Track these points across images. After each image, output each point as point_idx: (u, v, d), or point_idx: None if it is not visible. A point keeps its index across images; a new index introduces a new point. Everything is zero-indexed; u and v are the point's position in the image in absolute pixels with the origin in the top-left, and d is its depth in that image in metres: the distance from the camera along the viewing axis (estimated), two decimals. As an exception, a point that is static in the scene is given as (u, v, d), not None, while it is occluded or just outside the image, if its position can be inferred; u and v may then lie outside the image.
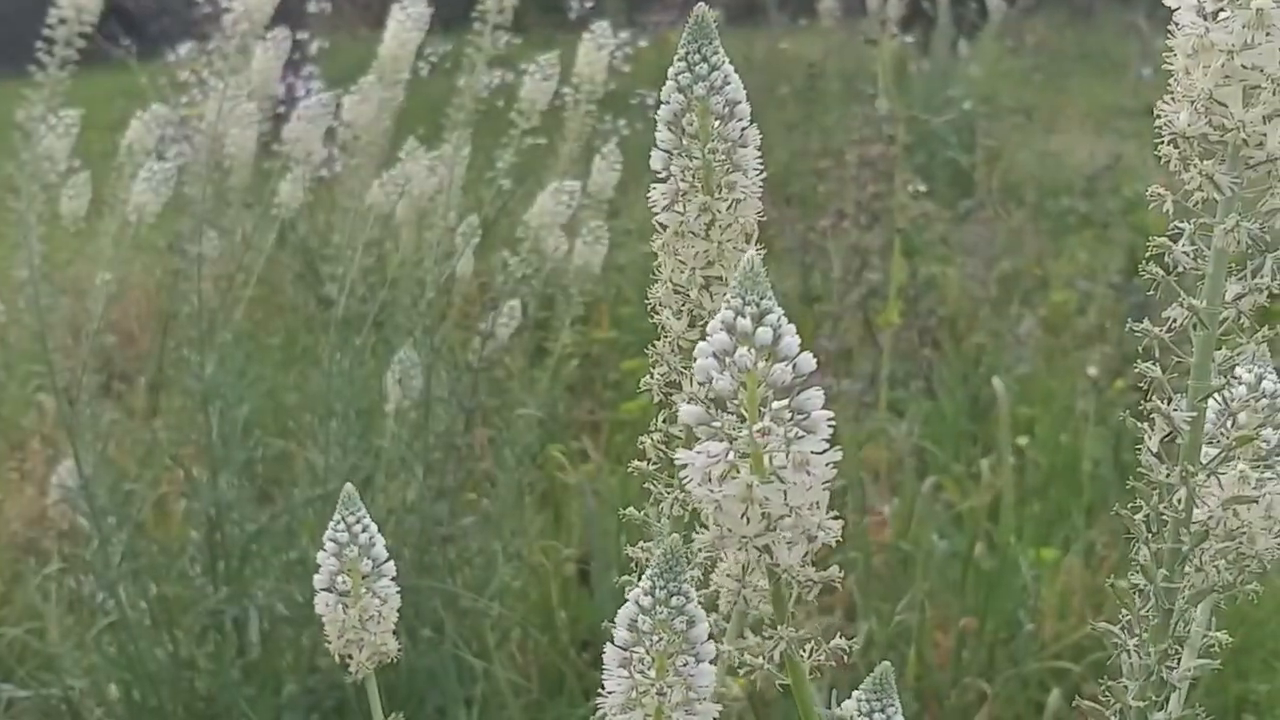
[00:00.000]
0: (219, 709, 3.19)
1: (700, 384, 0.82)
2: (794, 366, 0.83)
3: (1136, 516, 0.98)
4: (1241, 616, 3.57)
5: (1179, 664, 0.99)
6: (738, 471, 0.82)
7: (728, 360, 0.82)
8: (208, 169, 3.27)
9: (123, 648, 3.25)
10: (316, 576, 1.19)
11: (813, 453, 0.83)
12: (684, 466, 0.83)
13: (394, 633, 1.23)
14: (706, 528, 0.85)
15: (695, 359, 0.83)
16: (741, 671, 0.91)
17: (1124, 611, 1.01)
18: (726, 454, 0.82)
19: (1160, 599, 0.98)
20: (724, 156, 1.04)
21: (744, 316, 0.82)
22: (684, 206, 1.04)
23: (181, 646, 3.28)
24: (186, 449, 3.84)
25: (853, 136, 3.97)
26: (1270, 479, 1.04)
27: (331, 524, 1.20)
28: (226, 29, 3.41)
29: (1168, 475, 0.95)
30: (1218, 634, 1.06)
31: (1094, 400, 4.73)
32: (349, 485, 1.20)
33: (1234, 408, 1.00)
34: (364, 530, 1.21)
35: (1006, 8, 9.12)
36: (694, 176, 1.04)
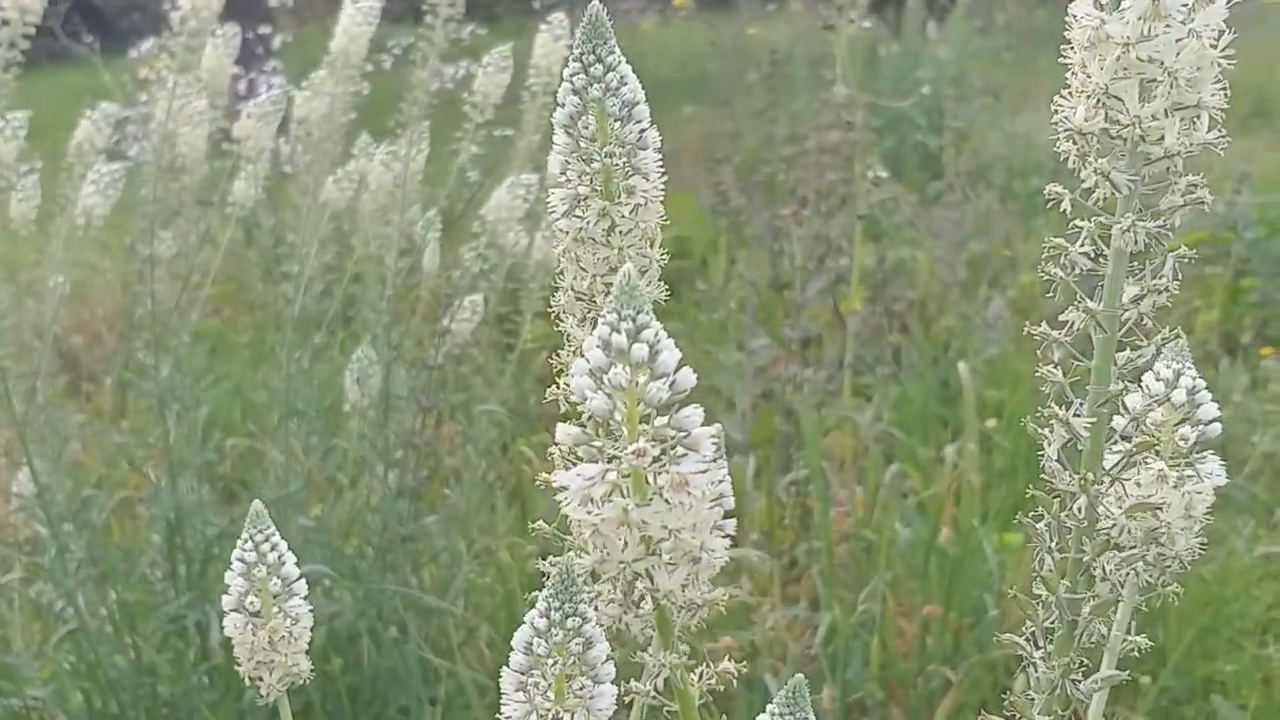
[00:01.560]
0: (181, 715, 3.16)
1: (576, 403, 0.79)
2: (672, 383, 0.80)
3: (1039, 525, 0.95)
4: (1209, 596, 3.57)
5: (1087, 676, 0.96)
6: (618, 494, 0.79)
7: (603, 378, 0.79)
8: (157, 169, 3.22)
9: (83, 655, 3.21)
10: (225, 597, 1.16)
11: (693, 473, 0.80)
12: (561, 489, 0.80)
13: (308, 652, 1.19)
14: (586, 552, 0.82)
15: (572, 377, 0.80)
16: (633, 695, 0.88)
17: (1028, 623, 0.98)
18: (604, 475, 0.79)
19: (1064, 610, 0.95)
20: (623, 160, 1.00)
21: (619, 332, 0.79)
22: (583, 212, 1.01)
23: (143, 652, 3.24)
24: (147, 452, 3.80)
25: (809, 124, 3.94)
26: (1190, 477, 1.01)
27: (240, 543, 1.17)
28: (175, 26, 3.37)
29: (1069, 483, 0.93)
30: (1137, 639, 1.03)
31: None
32: (256, 503, 1.17)
33: (1137, 411, 0.97)
34: (273, 549, 1.17)
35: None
36: (593, 181, 1.00)
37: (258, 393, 4.71)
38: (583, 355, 0.81)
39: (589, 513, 0.80)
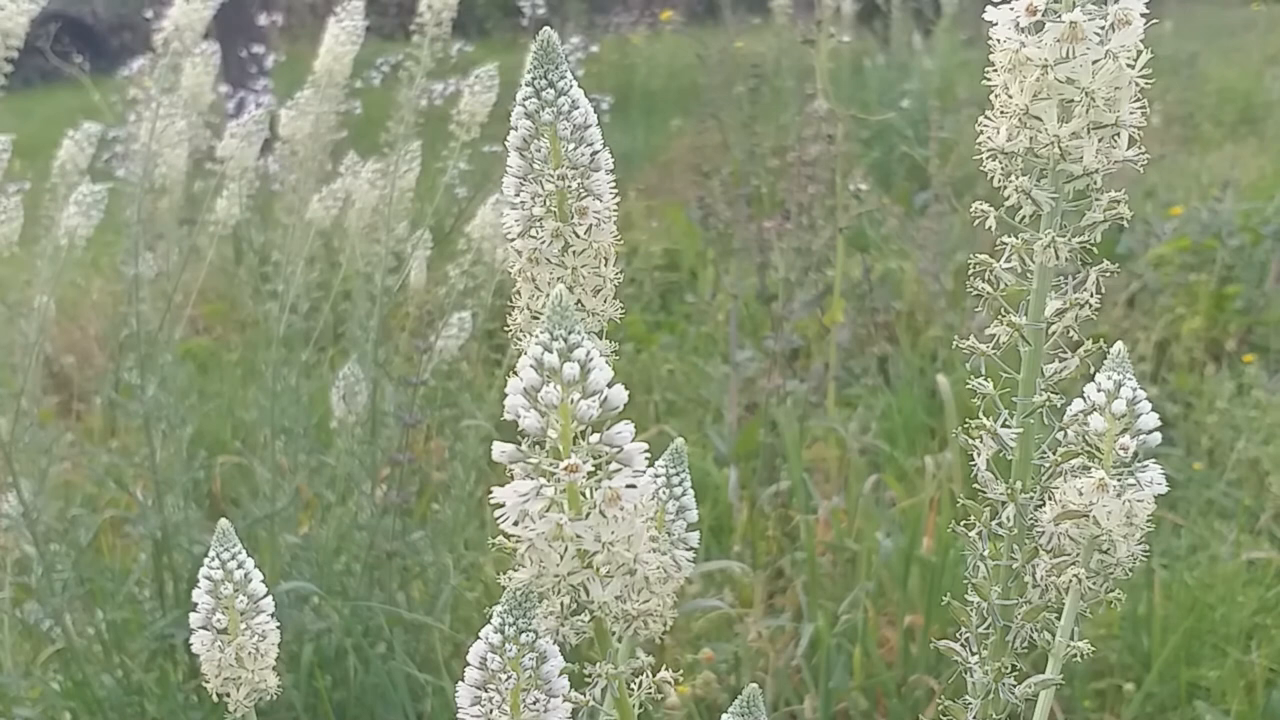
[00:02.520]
0: (169, 733, 3.17)
1: (511, 421, 0.81)
2: (603, 400, 0.82)
3: (971, 534, 0.97)
4: (1193, 602, 3.59)
5: (1021, 681, 0.98)
6: (555, 509, 0.81)
7: (536, 397, 0.81)
8: (140, 189, 3.24)
9: (71, 674, 3.22)
10: (192, 615, 1.18)
11: (625, 487, 0.82)
12: (498, 506, 0.82)
13: (275, 668, 1.21)
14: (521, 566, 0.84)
15: (507, 396, 0.83)
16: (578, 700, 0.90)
17: (962, 629, 1.00)
18: (538, 491, 0.81)
19: (996, 616, 0.97)
20: (576, 182, 1.03)
21: (551, 352, 0.82)
22: (538, 232, 1.03)
23: (131, 671, 3.25)
24: (135, 471, 3.81)
25: (795, 137, 3.97)
26: (1131, 485, 1.03)
27: (206, 561, 1.19)
28: (159, 47, 3.39)
29: (999, 492, 0.95)
30: (1079, 644, 1.05)
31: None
32: (223, 521, 1.19)
33: (1065, 422, 0.99)
34: (239, 566, 1.19)
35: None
36: (547, 202, 1.02)
37: (249, 411, 4.73)
38: (516, 374, 0.83)
39: (525, 528, 0.82)
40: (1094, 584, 1.05)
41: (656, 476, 1.25)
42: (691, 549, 1.28)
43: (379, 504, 3.33)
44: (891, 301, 5.52)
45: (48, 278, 3.57)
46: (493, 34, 14.36)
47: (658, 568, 0.88)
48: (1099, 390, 1.05)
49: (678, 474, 1.26)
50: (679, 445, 1.26)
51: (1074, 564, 1.01)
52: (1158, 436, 1.05)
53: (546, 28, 1.03)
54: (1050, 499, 0.96)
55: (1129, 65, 0.87)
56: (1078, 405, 1.05)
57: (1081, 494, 1.01)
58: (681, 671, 1.20)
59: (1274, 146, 9.03)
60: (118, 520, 4.14)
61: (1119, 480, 1.04)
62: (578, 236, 1.03)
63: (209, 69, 3.59)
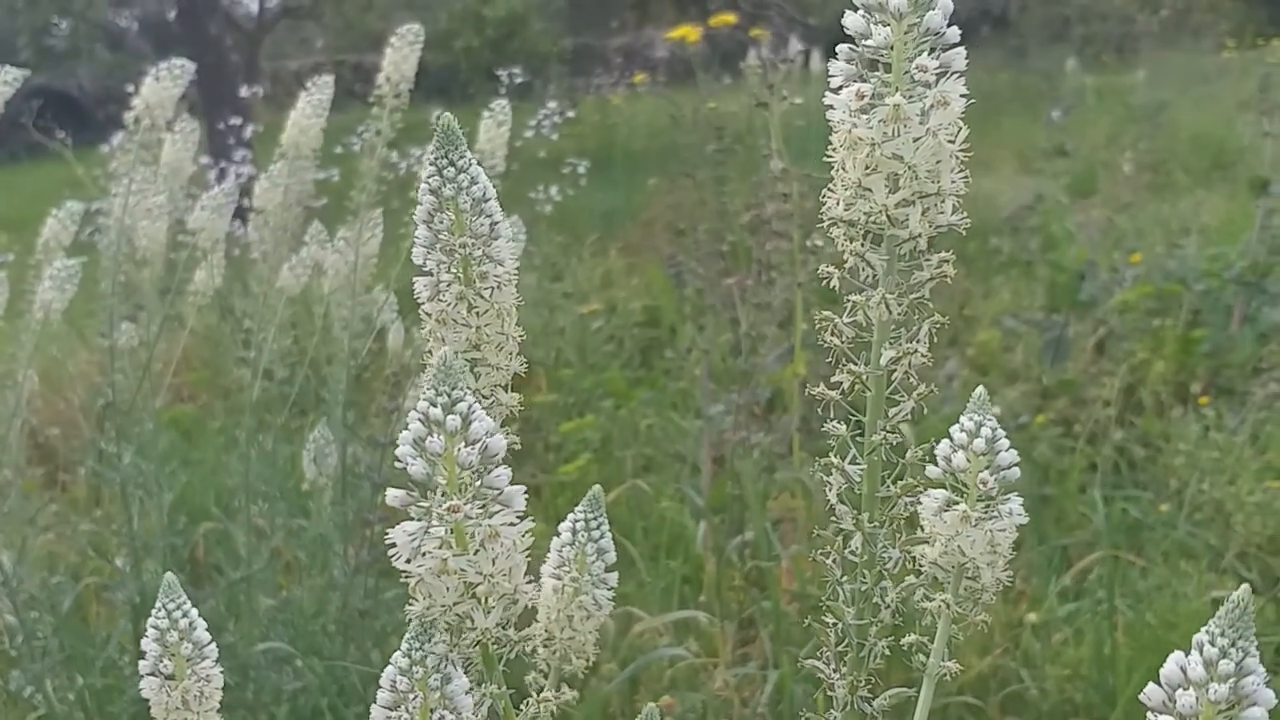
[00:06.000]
0: (148, 796, 3.21)
1: (400, 469, 0.90)
2: (483, 448, 0.91)
3: (828, 560, 1.06)
4: (1158, 641, 3.66)
5: (875, 695, 1.06)
6: (445, 547, 0.90)
7: (423, 446, 0.90)
8: (115, 263, 3.34)
9: (51, 740, 3.28)
10: (141, 662, 1.26)
11: (504, 524, 0.91)
12: (390, 545, 0.91)
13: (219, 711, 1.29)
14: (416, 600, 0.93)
15: (398, 446, 0.92)
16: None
17: (823, 648, 1.09)
18: (426, 531, 0.90)
19: (851, 635, 1.06)
20: (479, 250, 1.12)
21: (436, 406, 0.91)
22: (445, 296, 1.12)
23: (110, 736, 3.31)
24: (118, 539, 3.88)
25: (754, 196, 4.08)
26: (993, 516, 1.12)
27: (153, 611, 1.27)
28: (130, 125, 3.50)
29: (849, 522, 1.04)
30: (948, 664, 1.14)
31: (1017, 436, 4.84)
32: (169, 575, 1.27)
33: (908, 459, 1.08)
34: (184, 615, 1.27)
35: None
36: (451, 268, 1.12)
37: (231, 477, 4.80)
38: (405, 427, 0.92)
39: (415, 564, 0.91)
40: (963, 608, 1.13)
41: (575, 521, 1.34)
42: (611, 588, 1.36)
43: (352, 564, 3.40)
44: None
45: (29, 352, 3.66)
46: (475, 98, 14.59)
47: (532, 597, 0.96)
48: (961, 430, 1.15)
49: (596, 518, 1.34)
50: (595, 492, 1.35)
51: (923, 587, 1.10)
52: (1016, 471, 1.14)
53: (446, 113, 1.13)
54: (897, 529, 1.05)
55: (949, 141, 0.96)
56: (945, 446, 1.15)
57: (946, 524, 1.10)
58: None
59: (1243, 192, 9.19)
60: (100, 587, 4.20)
61: (982, 512, 1.13)
62: (481, 298, 1.13)
63: (188, 144, 3.69)
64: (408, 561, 0.91)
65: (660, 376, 6.39)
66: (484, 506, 0.91)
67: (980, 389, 1.13)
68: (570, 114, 8.79)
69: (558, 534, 1.35)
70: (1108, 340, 5.84)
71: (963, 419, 1.14)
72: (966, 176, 0.97)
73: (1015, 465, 1.13)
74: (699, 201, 7.78)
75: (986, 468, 1.13)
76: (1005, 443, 1.14)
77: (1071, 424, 5.09)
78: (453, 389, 0.92)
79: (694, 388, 5.89)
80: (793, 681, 3.01)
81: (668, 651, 2.89)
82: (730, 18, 8.30)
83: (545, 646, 1.34)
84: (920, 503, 1.10)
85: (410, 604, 0.95)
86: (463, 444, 0.91)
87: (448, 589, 0.91)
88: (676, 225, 6.75)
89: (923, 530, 1.14)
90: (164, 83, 3.32)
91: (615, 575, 1.36)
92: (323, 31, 19.06)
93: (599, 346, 6.81)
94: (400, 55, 3.47)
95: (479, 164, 3.49)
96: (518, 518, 0.92)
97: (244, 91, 8.27)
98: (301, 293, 4.20)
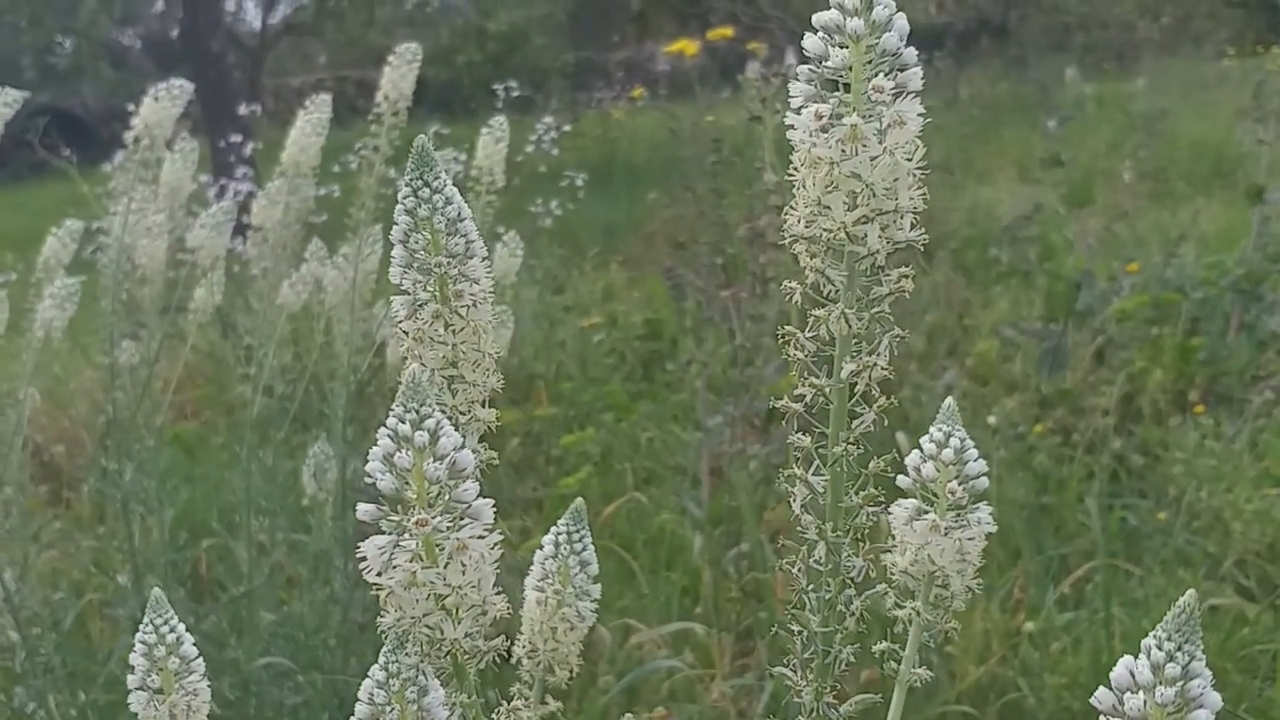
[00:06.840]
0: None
1: (371, 484, 0.93)
2: (451, 463, 0.94)
3: (794, 569, 1.08)
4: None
5: (842, 701, 1.08)
6: (415, 560, 0.92)
7: (392, 461, 0.93)
8: (115, 281, 3.37)
9: (54, 756, 3.30)
10: (129, 677, 1.28)
11: (471, 537, 0.93)
12: (361, 559, 0.93)
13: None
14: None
15: (368, 462, 0.94)
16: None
17: (789, 655, 1.11)
18: (396, 544, 0.92)
19: (817, 642, 1.08)
20: (455, 269, 1.14)
21: (404, 423, 0.93)
22: (421, 314, 1.14)
23: (112, 752, 3.33)
24: (121, 556, 3.91)
25: (750, 209, 4.11)
26: (961, 525, 1.14)
27: (141, 627, 1.29)
28: (129, 145, 3.53)
29: (814, 532, 1.06)
30: (920, 670, 1.16)
31: (1015, 446, 4.85)
32: (156, 590, 1.29)
33: (870, 469, 1.09)
34: (171, 631, 1.29)
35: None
36: (428, 288, 1.14)
37: (232, 492, 4.82)
38: (375, 443, 0.94)
39: (386, 577, 0.93)
40: (933, 616, 1.15)
41: (558, 534, 1.37)
42: (594, 600, 1.38)
43: (352, 578, 3.42)
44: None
45: (30, 369, 3.69)
46: (477, 113, 14.64)
47: (502, 609, 0.98)
48: (930, 441, 1.17)
49: (578, 531, 1.37)
50: (579, 505, 1.37)
51: (889, 594, 1.12)
52: (985, 481, 1.16)
53: (421, 136, 1.15)
54: (860, 538, 1.07)
55: (906, 159, 0.99)
56: (915, 456, 1.17)
57: (916, 533, 1.12)
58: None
59: (1242, 199, 9.20)
60: (103, 604, 4.22)
61: (952, 521, 1.15)
62: (458, 316, 1.15)
63: (188, 163, 3.72)
64: (378, 574, 0.93)
65: (661, 389, 6.41)
66: (453, 520, 0.93)
67: (949, 399, 1.15)
68: (569, 128, 8.82)
69: (541, 547, 1.37)
70: (1106, 349, 5.84)
71: (932, 429, 1.16)
72: (924, 194, 1.00)
73: (983, 475, 1.15)
74: (698, 214, 7.81)
75: (955, 478, 1.15)
76: (974, 453, 1.16)
77: (1070, 433, 5.10)
78: (421, 405, 0.94)
79: (694, 400, 5.91)
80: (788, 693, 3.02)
81: (665, 663, 2.90)
82: (728, 31, 8.34)
83: (530, 658, 1.36)
84: (888, 513, 1.13)
85: (381, 616, 0.97)
86: (431, 459, 0.93)
87: (417, 601, 0.93)
88: (676, 238, 6.77)
89: (892, 539, 1.16)
90: (163, 103, 3.35)
91: (598, 587, 1.38)
92: (325, 48, 19.15)
93: (600, 359, 6.83)
94: (398, 74, 3.50)
95: (479, 179, 3.53)
96: (486, 530, 0.94)
97: (245, 109, 8.31)
98: (302, 309, 4.23)
